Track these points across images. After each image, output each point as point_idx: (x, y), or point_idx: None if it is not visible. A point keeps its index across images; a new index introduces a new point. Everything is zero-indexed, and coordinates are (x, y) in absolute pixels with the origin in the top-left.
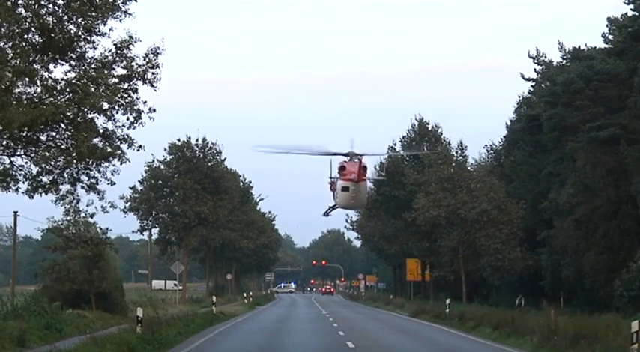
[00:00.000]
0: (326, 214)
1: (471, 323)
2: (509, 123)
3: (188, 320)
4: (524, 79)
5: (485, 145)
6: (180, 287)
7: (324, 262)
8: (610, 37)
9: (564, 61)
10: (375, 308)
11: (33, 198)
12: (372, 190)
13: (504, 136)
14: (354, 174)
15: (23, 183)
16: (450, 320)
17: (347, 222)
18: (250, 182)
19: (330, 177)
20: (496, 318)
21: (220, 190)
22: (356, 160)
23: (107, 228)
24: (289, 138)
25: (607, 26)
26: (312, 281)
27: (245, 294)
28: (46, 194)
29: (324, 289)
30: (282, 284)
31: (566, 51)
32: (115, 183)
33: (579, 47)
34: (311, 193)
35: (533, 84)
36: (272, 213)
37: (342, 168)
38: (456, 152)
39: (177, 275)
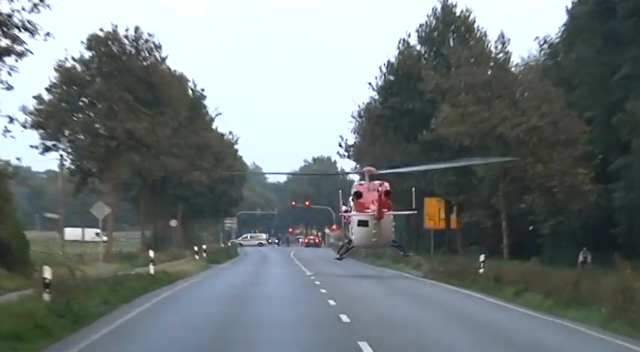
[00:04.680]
0: (340, 257)
1: (515, 288)
2: (570, 6)
3: (116, 283)
4: None
5: (537, 38)
6: (105, 238)
7: (307, 203)
8: None
9: None
10: (381, 267)
11: None
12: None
13: (563, 24)
14: (373, 206)
15: None
16: (485, 283)
17: (340, 146)
18: (203, 90)
19: (345, 205)
20: (550, 281)
21: (161, 101)
22: (376, 184)
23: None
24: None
25: None
26: (290, 229)
27: (197, 248)
28: None
29: (306, 240)
30: (249, 234)
31: None
32: (12, 88)
33: None
34: (290, 110)
35: None
36: (234, 134)
37: (357, 194)
38: (495, 48)
39: (100, 221)
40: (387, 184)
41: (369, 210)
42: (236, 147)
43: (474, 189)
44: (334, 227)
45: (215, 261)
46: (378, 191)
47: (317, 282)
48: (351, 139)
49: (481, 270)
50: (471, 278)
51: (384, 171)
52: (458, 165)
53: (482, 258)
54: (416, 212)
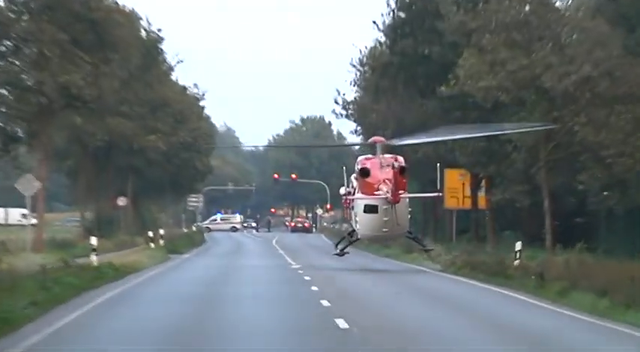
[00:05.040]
0: (340, 252)
1: (559, 285)
2: None
3: (48, 279)
4: None
5: None
6: (34, 221)
7: (293, 176)
8: None
9: None
10: (388, 258)
11: None
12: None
13: None
14: (385, 187)
15: None
16: (522, 279)
17: (336, 102)
18: (160, 30)
19: (347, 188)
20: (604, 277)
21: (105, 44)
22: (389, 159)
23: None
24: None
25: None
26: (272, 210)
27: (151, 234)
28: None
29: (293, 223)
30: (218, 215)
31: None
32: None
33: None
34: (272, 56)
35: None
36: (199, 87)
37: (364, 172)
38: None
39: (27, 200)
40: (402, 159)
41: (379, 193)
42: (202, 104)
43: (508, 158)
44: (329, 206)
45: (175, 250)
46: (393, 167)
47: (306, 278)
48: (351, 94)
49: (516, 262)
50: (504, 273)
51: (399, 142)
52: (486, 135)
53: (518, 246)
54: (440, 195)
